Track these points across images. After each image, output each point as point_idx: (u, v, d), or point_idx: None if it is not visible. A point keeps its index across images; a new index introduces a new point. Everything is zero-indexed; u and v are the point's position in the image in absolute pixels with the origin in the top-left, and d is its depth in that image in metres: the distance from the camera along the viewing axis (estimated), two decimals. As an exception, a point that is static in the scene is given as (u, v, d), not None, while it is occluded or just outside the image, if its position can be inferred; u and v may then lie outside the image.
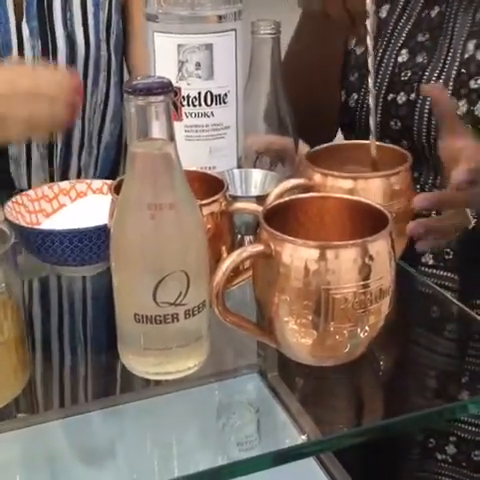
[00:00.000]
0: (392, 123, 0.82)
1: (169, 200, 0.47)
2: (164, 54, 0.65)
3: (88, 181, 0.74)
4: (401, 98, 0.82)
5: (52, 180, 1.04)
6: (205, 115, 0.66)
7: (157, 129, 0.47)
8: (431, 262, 0.81)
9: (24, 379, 0.51)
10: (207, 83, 0.65)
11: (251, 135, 0.70)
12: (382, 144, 0.68)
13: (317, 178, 0.62)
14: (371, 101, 0.66)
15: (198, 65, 0.64)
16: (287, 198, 0.56)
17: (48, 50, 1.00)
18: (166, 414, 0.59)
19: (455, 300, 0.68)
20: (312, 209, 0.55)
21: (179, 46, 0.64)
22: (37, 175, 1.03)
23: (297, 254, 0.49)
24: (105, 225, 0.60)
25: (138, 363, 0.52)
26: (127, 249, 0.48)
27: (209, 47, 0.63)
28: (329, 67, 0.84)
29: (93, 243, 0.63)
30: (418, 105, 0.80)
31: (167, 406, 0.60)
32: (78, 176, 1.08)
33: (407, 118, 0.81)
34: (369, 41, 0.63)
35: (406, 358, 0.61)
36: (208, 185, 0.58)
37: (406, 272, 0.68)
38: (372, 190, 0.62)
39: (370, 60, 0.64)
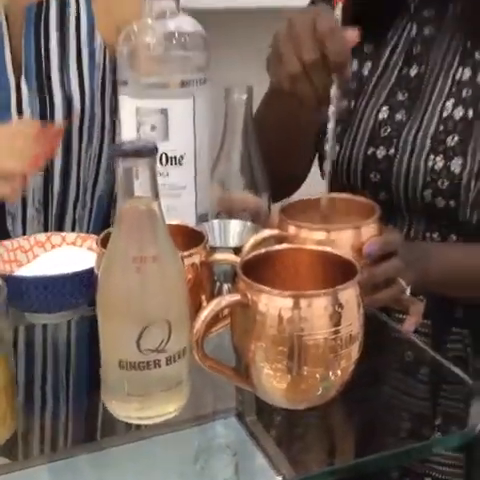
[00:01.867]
0: (372, 175, 0.87)
1: (153, 253, 0.51)
2: (127, 115, 0.69)
3: (63, 234, 0.78)
4: (381, 152, 0.87)
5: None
6: (160, 175, 0.67)
7: (143, 188, 0.50)
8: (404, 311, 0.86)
9: (13, 425, 0.53)
10: (162, 145, 0.67)
11: (226, 193, 0.73)
12: (353, 197, 0.73)
13: (291, 230, 0.66)
14: (326, 165, 0.72)
15: (153, 128, 0.68)
16: (263, 250, 0.60)
17: (46, 107, 1.04)
18: (146, 458, 0.62)
19: (424, 345, 0.72)
20: (287, 260, 0.59)
21: (137, 109, 0.68)
22: (32, 229, 1.05)
23: (272, 303, 0.53)
24: (73, 274, 0.64)
25: (121, 408, 0.54)
26: (113, 299, 0.52)
27: (164, 111, 0.67)
28: (297, 130, 0.88)
29: (57, 290, 0.66)
30: (396, 160, 0.85)
31: (147, 450, 0.62)
32: (72, 229, 1.11)
33: (386, 172, 0.86)
34: (330, 126, 0.68)
35: (377, 401, 0.64)
36: (189, 237, 0.62)
37: (378, 319, 0.72)
38: (343, 241, 0.66)
39: (329, 145, 0.70)
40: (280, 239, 0.66)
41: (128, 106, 0.68)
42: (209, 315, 0.52)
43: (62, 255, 0.73)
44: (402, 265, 0.68)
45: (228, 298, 0.54)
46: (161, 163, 0.68)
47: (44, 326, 0.70)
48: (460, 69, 0.85)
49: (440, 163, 0.83)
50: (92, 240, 0.75)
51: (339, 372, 0.55)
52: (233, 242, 0.69)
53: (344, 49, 0.68)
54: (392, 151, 0.86)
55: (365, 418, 0.62)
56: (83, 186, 1.10)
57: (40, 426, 0.63)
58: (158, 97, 0.66)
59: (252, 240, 0.65)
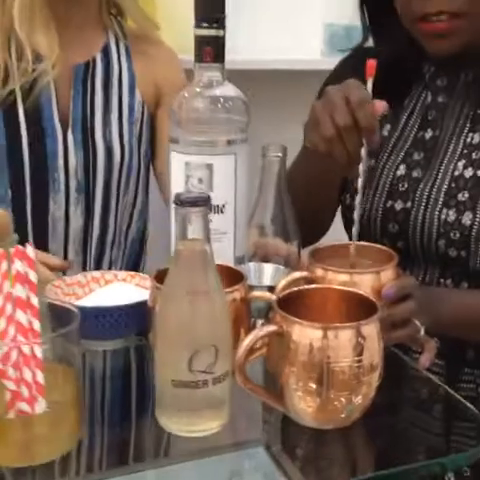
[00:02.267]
0: (390, 226, 0.96)
1: (204, 288, 0.60)
2: (176, 169, 0.78)
3: (115, 272, 0.87)
4: (398, 205, 0.96)
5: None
6: None
7: (196, 232, 0.60)
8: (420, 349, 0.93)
9: (77, 436, 0.62)
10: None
11: (261, 239, 0.83)
12: (374, 245, 0.82)
13: (319, 272, 0.75)
14: (356, 215, 0.81)
15: (200, 180, 0.77)
16: (295, 288, 0.69)
17: (89, 158, 1.12)
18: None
19: (438, 381, 0.79)
20: (316, 297, 0.68)
21: (186, 163, 0.77)
22: (72, 269, 1.14)
23: (304, 333, 0.61)
24: (127, 306, 0.72)
25: (172, 422, 0.63)
26: (169, 327, 0.60)
27: (210, 166, 0.77)
28: (326, 185, 0.98)
29: (113, 320, 0.74)
30: (413, 212, 0.94)
31: (175, 477, 0.67)
32: (109, 269, 1.18)
33: (403, 223, 0.95)
34: (360, 181, 0.78)
35: (394, 426, 0.71)
36: (230, 276, 0.70)
37: (399, 358, 0.79)
38: (364, 283, 0.74)
39: (359, 197, 0.80)
40: (309, 280, 0.75)
41: (178, 161, 0.77)
42: (251, 342, 0.61)
43: (115, 290, 0.82)
44: (416, 307, 0.77)
45: (266, 329, 0.63)
46: (207, 211, 0.78)
47: (97, 352, 0.78)
48: (471, 134, 0.94)
49: (452, 216, 0.91)
50: (140, 278, 0.85)
51: (361, 397, 0.63)
52: (267, 282, 0.78)
53: (373, 117, 0.78)
54: (409, 204, 0.95)
55: (384, 440, 0.69)
56: (119, 230, 1.20)
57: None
58: (205, 154, 0.76)
59: (284, 281, 0.74)
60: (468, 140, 0.94)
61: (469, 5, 0.88)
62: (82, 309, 0.70)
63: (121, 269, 1.20)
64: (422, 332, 0.76)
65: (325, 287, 0.70)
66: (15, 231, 0.94)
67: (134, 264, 1.26)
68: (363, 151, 0.80)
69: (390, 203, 0.97)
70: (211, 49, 0.76)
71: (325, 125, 0.79)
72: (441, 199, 0.93)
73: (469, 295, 0.93)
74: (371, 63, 0.84)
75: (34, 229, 1.13)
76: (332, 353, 0.61)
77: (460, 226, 0.91)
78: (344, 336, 0.61)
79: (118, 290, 0.82)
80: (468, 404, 0.72)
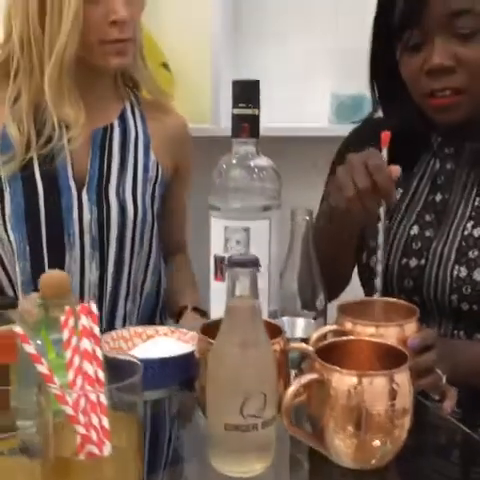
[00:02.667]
0: (406, 282, 1.04)
1: (254, 341, 0.67)
2: (217, 232, 0.87)
3: (157, 327, 0.94)
4: (413, 262, 1.04)
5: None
6: None
7: (246, 289, 0.67)
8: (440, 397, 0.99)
9: None
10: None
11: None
12: (397, 300, 0.89)
13: (348, 325, 0.82)
14: (379, 268, 0.89)
15: (238, 242, 0.85)
16: (332, 340, 0.76)
17: (103, 214, 1.19)
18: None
19: (461, 425, 0.85)
20: (349, 348, 0.75)
21: (225, 227, 0.86)
22: None
23: (342, 381, 0.68)
24: (172, 358, 0.80)
25: (224, 463, 0.69)
26: (222, 376, 0.67)
27: (247, 230, 0.85)
28: (346, 242, 1.06)
29: (161, 371, 0.81)
30: (427, 269, 1.03)
31: None
32: (123, 323, 1.24)
33: (418, 279, 1.03)
34: (380, 237, 0.87)
35: (424, 468, 0.77)
36: (268, 329, 0.77)
37: (424, 405, 0.85)
38: (389, 335, 0.81)
39: (380, 253, 0.91)
40: (339, 333, 0.82)
41: (218, 225, 0.86)
42: (296, 389, 0.68)
43: (157, 344, 0.89)
44: (438, 357, 0.84)
45: (308, 377, 0.70)
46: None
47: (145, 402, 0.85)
48: (477, 198, 1.03)
49: (464, 272, 1.00)
50: (180, 333, 0.92)
51: (394, 439, 0.69)
52: (299, 334, 0.85)
53: (390, 179, 0.88)
54: (423, 261, 1.04)
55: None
56: (133, 285, 1.25)
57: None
58: (243, 219, 0.85)
59: (317, 333, 0.81)
60: (476, 203, 1.03)
61: (469, 82, 0.98)
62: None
63: (136, 323, 1.25)
64: (444, 380, 0.83)
65: (357, 339, 0.77)
66: (34, 285, 0.99)
67: (149, 317, 1.30)
68: (382, 210, 0.89)
69: (405, 260, 1.05)
70: (247, 126, 0.86)
71: (347, 187, 0.89)
72: (453, 256, 1.01)
73: None
74: (386, 134, 0.94)
75: None
76: (368, 398, 0.68)
77: (471, 281, 0.99)
78: (379, 383, 0.68)
79: (160, 344, 0.88)
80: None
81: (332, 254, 1.02)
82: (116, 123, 1.26)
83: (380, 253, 0.90)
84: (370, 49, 1.10)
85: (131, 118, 1.28)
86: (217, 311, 0.84)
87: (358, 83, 1.54)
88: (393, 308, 0.87)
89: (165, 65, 1.69)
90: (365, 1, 1.15)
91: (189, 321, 1.12)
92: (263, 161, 0.88)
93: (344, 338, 0.77)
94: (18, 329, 0.68)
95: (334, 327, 0.83)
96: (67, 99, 1.17)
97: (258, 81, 0.86)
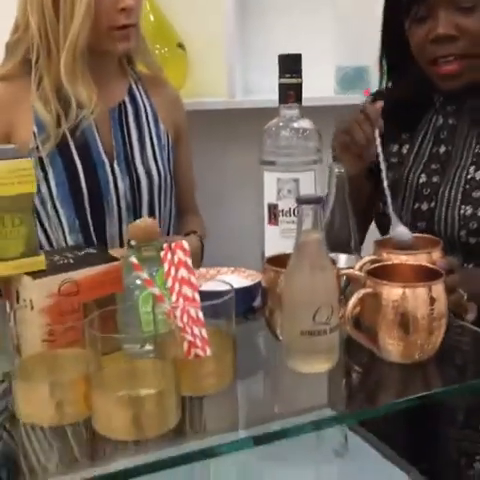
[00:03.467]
0: (419, 224, 1.21)
1: (321, 264, 0.84)
2: (270, 183, 1.03)
3: (218, 268, 1.11)
4: (424, 206, 1.21)
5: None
6: (293, 222, 1.03)
7: (313, 224, 0.83)
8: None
9: (232, 375, 0.84)
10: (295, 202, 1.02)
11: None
12: (423, 235, 1.06)
13: (384, 255, 0.99)
14: (385, 184, 1.09)
15: (289, 191, 1.02)
16: (377, 264, 0.93)
17: (133, 182, 1.39)
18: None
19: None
20: (393, 269, 0.92)
21: (278, 179, 1.02)
22: None
23: (391, 292, 0.85)
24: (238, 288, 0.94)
25: (299, 363, 0.85)
26: (297, 293, 0.84)
27: (296, 180, 1.02)
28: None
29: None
30: (436, 211, 1.20)
31: None
32: None
33: (429, 220, 1.20)
34: (382, 164, 1.10)
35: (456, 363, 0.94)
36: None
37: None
38: (420, 261, 0.98)
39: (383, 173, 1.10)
40: (377, 262, 0.99)
41: (271, 178, 1.02)
42: (355, 300, 0.85)
43: (221, 281, 1.05)
44: (460, 279, 1.01)
45: (363, 291, 0.86)
46: (294, 215, 1.02)
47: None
48: (478, 146, 1.20)
49: (469, 211, 1.17)
50: (238, 271, 1.08)
51: (434, 338, 0.87)
52: (343, 265, 1.02)
53: (377, 110, 1.13)
54: (433, 204, 1.21)
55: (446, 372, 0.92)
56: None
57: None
58: (292, 171, 1.01)
59: (360, 263, 0.98)
60: (476, 150, 1.20)
61: (470, 49, 1.15)
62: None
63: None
64: (465, 298, 1.00)
65: (398, 263, 0.94)
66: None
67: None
68: (376, 132, 1.10)
69: (417, 205, 1.22)
70: (293, 93, 1.01)
71: (345, 124, 1.12)
72: (459, 197, 1.18)
73: None
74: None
75: None
76: (412, 305, 0.85)
77: (477, 218, 1.16)
78: (420, 292, 0.85)
79: (225, 280, 1.04)
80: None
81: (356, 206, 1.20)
82: (127, 100, 1.43)
83: (384, 173, 1.08)
84: (382, 24, 1.26)
85: (138, 94, 1.46)
86: (271, 250, 1.01)
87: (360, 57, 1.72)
88: (419, 241, 1.03)
89: (180, 45, 1.83)
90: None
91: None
92: (306, 123, 1.04)
93: (388, 262, 0.94)
94: (133, 259, 0.84)
95: (373, 257, 0.99)
96: (81, 80, 1.33)
97: (300, 54, 1.02)
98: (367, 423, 1.01)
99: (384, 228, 1.28)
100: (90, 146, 1.36)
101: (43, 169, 1.33)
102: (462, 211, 1.17)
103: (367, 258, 0.99)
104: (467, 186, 1.18)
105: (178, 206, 1.52)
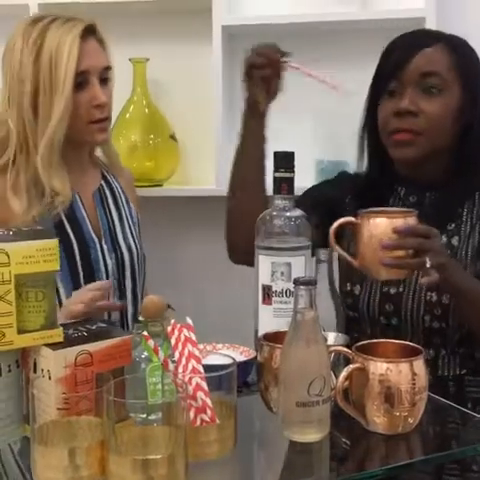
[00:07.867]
0: (387, 306, 1.31)
1: (315, 339, 0.92)
2: (264, 266, 1.13)
3: (214, 344, 1.18)
4: (393, 290, 1.32)
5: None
6: (285, 303, 1.13)
7: (307, 303, 0.93)
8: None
9: (233, 442, 0.91)
10: (287, 284, 1.12)
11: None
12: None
13: (362, 216, 1.08)
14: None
15: (282, 273, 1.12)
16: (365, 342, 1.02)
17: (118, 259, 1.51)
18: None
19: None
20: (378, 348, 1.01)
21: (272, 263, 1.13)
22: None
23: (376, 367, 0.94)
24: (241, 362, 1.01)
25: (294, 432, 0.93)
26: (293, 366, 0.92)
27: (288, 264, 1.12)
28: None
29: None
30: (404, 295, 1.30)
31: None
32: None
33: (397, 304, 1.31)
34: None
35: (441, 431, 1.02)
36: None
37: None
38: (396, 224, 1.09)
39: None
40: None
41: (265, 261, 1.12)
42: (345, 374, 0.94)
43: (218, 355, 1.12)
44: (428, 246, 1.10)
45: (353, 366, 0.95)
46: (287, 296, 1.12)
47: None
48: (442, 236, 1.30)
49: (435, 297, 1.28)
50: (232, 347, 1.16)
51: (415, 410, 0.95)
52: (331, 342, 1.11)
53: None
54: (401, 289, 1.31)
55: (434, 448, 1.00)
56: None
57: None
58: (285, 256, 1.12)
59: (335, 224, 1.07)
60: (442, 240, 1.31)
61: (426, 128, 1.29)
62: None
63: None
64: (428, 265, 1.09)
65: (383, 341, 1.03)
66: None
67: None
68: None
69: (386, 288, 1.32)
70: (286, 186, 1.13)
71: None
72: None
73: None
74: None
75: None
76: (395, 379, 0.94)
77: (441, 304, 1.27)
78: (403, 367, 0.94)
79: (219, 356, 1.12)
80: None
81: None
82: (103, 184, 1.58)
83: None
84: (365, 108, 1.39)
85: (109, 178, 1.61)
86: (264, 328, 1.10)
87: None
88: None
89: (172, 136, 1.97)
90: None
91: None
92: (297, 212, 1.15)
93: (374, 340, 1.03)
94: (144, 332, 0.93)
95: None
96: (54, 173, 1.44)
97: (293, 152, 1.14)
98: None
99: (349, 308, 1.37)
100: (82, 227, 1.49)
101: None
102: (428, 297, 1.29)
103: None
104: None
105: None
